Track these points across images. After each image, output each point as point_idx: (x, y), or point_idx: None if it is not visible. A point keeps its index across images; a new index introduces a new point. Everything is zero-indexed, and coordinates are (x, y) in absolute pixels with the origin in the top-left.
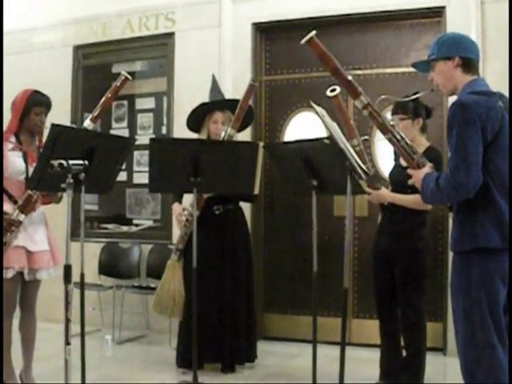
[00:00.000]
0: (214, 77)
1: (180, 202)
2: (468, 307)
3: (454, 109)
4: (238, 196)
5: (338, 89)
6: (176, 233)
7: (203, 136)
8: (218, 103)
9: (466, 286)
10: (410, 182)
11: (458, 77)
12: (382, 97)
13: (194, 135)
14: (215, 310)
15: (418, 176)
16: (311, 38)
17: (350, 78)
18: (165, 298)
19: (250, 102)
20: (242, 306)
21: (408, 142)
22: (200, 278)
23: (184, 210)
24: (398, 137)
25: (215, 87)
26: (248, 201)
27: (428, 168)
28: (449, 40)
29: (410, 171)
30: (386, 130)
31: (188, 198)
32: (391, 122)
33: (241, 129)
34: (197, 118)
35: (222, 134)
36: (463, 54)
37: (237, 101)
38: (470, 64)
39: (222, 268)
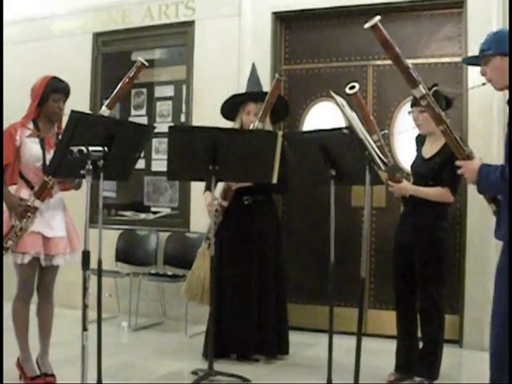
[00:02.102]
0: (253, 66)
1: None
2: None
3: None
4: (269, 187)
5: (357, 86)
6: (194, 220)
7: (237, 126)
8: (249, 95)
9: None
10: (459, 171)
11: None
12: (435, 87)
13: (212, 123)
14: (242, 299)
15: (470, 167)
16: (375, 24)
17: (410, 65)
18: (195, 285)
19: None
20: (269, 296)
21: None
22: (228, 268)
23: (214, 199)
24: (452, 128)
25: (253, 77)
26: (279, 192)
27: (478, 159)
28: (506, 35)
29: (459, 162)
30: (440, 121)
31: (219, 188)
32: (410, 115)
33: (277, 121)
34: (231, 108)
35: (250, 127)
36: None
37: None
38: None
39: (250, 258)
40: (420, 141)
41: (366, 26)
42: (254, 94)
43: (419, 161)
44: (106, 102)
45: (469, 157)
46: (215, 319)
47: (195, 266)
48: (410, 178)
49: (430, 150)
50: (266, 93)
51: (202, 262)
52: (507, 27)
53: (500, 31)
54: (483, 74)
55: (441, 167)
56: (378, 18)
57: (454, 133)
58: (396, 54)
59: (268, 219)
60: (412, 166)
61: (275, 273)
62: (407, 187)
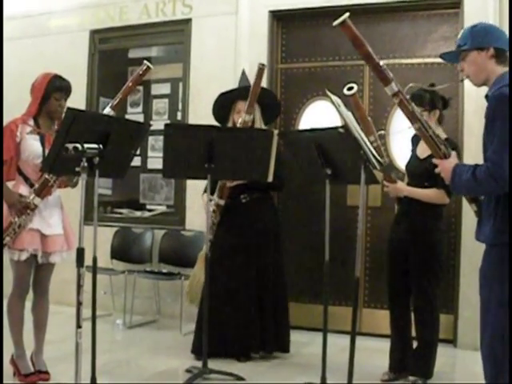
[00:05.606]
0: (243, 72)
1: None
2: (504, 299)
3: (495, 101)
4: (265, 184)
5: (356, 87)
6: (189, 218)
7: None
8: (234, 92)
9: (503, 277)
10: (436, 170)
11: (492, 68)
12: (410, 85)
13: (209, 121)
14: (242, 299)
15: (445, 166)
16: (344, 21)
17: (381, 63)
18: (195, 288)
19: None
20: (270, 294)
21: (435, 132)
22: (223, 268)
23: (211, 200)
24: (427, 126)
25: (244, 81)
26: (275, 189)
27: (454, 158)
28: (483, 30)
29: (435, 161)
30: (415, 119)
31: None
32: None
33: (269, 121)
34: (221, 109)
35: (239, 121)
36: (497, 44)
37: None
38: (503, 55)
39: (246, 257)
40: (416, 141)
41: (335, 23)
42: (240, 91)
43: (414, 161)
44: (111, 103)
45: (445, 155)
46: (208, 317)
47: (195, 270)
48: (404, 178)
49: (425, 150)
50: (247, 88)
51: (201, 265)
52: (502, 25)
53: (477, 25)
54: (461, 69)
55: (436, 168)
56: (346, 14)
57: (429, 131)
58: (366, 51)
59: (266, 217)
60: (407, 166)
61: (274, 271)
62: (402, 188)
